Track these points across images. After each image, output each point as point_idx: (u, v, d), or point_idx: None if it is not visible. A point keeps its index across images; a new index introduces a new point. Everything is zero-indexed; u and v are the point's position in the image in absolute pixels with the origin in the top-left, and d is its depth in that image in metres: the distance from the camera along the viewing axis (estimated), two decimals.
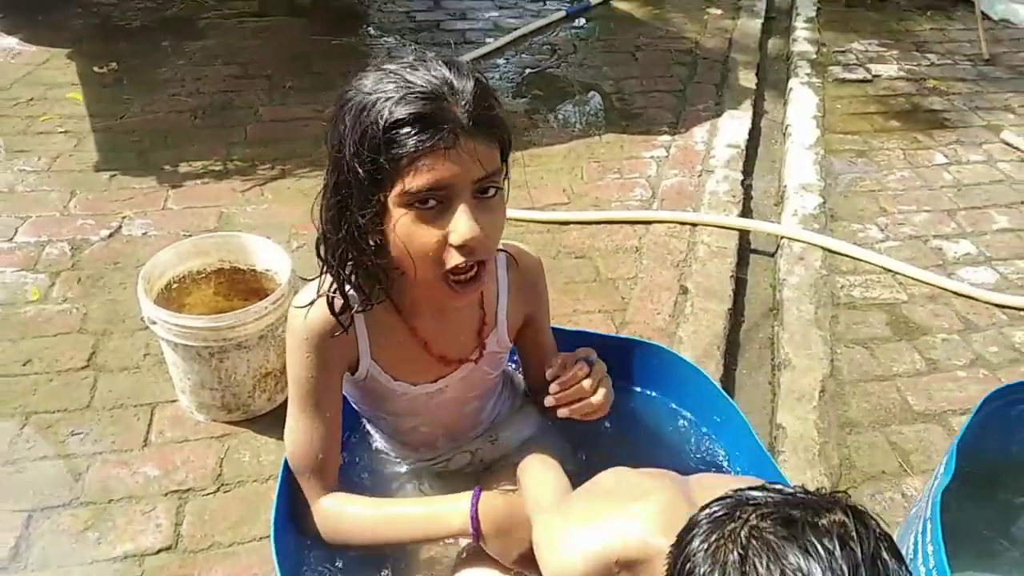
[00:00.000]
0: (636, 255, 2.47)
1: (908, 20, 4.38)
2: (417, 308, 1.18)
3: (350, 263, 1.07)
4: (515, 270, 1.26)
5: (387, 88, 0.95)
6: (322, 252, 1.09)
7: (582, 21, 4.27)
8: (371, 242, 1.03)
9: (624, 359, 1.49)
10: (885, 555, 0.68)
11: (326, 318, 1.12)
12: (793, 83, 3.60)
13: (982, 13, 4.26)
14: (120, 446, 1.82)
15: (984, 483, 1.35)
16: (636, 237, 2.55)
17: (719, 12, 4.41)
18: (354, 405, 1.33)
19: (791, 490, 0.76)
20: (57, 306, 2.20)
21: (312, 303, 1.12)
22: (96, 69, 3.47)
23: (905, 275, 2.43)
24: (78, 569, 1.57)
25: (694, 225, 2.58)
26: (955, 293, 2.38)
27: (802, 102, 3.43)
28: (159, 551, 1.61)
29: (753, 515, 0.71)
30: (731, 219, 2.61)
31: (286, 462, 1.22)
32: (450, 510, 1.14)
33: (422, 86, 0.95)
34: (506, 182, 1.06)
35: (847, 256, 2.51)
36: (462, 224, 0.97)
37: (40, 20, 3.87)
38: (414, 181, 0.95)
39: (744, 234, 2.66)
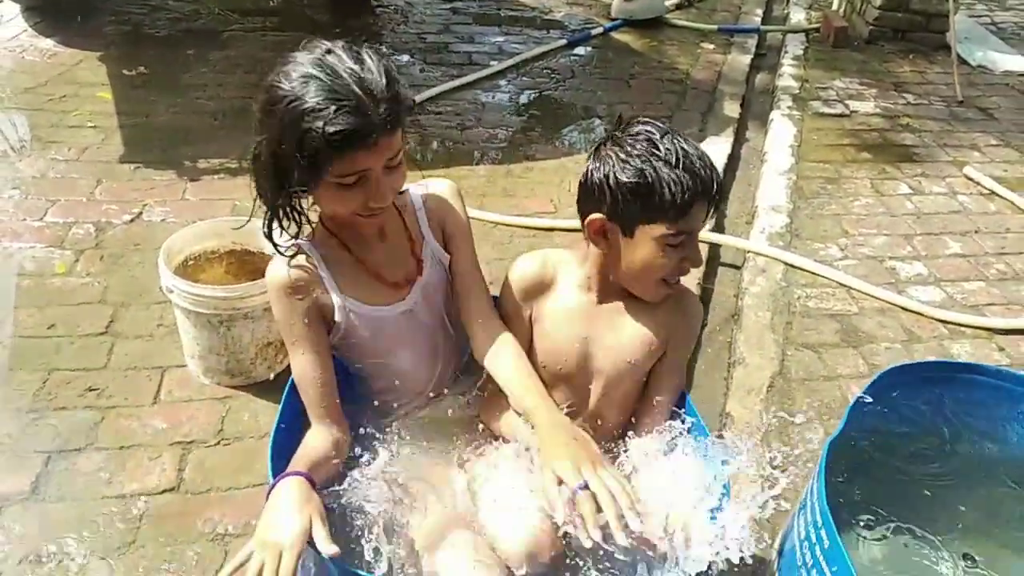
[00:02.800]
0: None
1: (890, 62, 4.63)
2: (357, 241, 1.42)
3: (285, 209, 1.34)
4: (427, 194, 1.52)
5: (316, 99, 1.18)
6: (264, 204, 1.35)
7: (582, 49, 4.52)
8: (302, 201, 1.34)
9: None
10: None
11: (282, 270, 1.38)
12: (774, 114, 3.84)
13: (960, 58, 4.51)
14: (132, 402, 2.03)
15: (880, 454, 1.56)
16: None
17: (712, 47, 4.67)
18: (355, 366, 1.52)
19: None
20: (80, 279, 2.42)
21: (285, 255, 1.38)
22: (125, 72, 3.73)
23: (858, 290, 2.64)
24: (90, 503, 1.77)
25: None
26: (903, 308, 2.58)
27: (781, 132, 3.66)
28: (163, 492, 1.81)
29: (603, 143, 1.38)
30: (702, 233, 2.82)
31: (292, 385, 1.45)
32: None
33: (347, 99, 1.18)
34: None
35: (806, 271, 2.72)
36: (378, 191, 1.27)
37: (76, 25, 4.15)
38: (342, 169, 1.23)
39: (715, 248, 2.87)
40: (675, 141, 1.29)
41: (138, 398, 2.05)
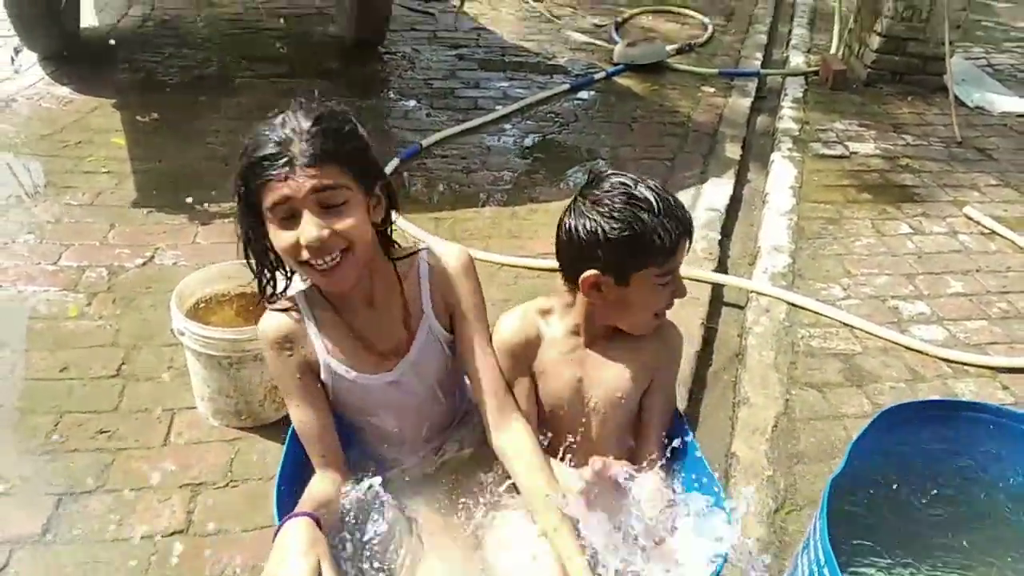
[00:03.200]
0: None
1: (889, 104, 4.70)
2: (343, 304, 1.44)
3: (261, 262, 1.39)
4: (435, 266, 1.48)
5: (258, 136, 1.29)
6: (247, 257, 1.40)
7: (585, 93, 4.61)
8: (266, 246, 1.36)
9: None
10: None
11: (273, 324, 1.42)
12: (775, 156, 3.90)
13: (958, 100, 4.58)
14: (143, 444, 2.05)
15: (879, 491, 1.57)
16: None
17: (712, 91, 4.75)
18: (344, 419, 1.53)
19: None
20: (93, 322, 2.46)
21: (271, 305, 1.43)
22: (139, 118, 3.82)
23: (861, 329, 2.66)
24: (100, 546, 1.78)
25: None
26: (906, 347, 2.60)
27: (782, 173, 3.72)
28: (172, 534, 1.82)
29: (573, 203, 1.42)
30: (705, 273, 2.86)
31: (293, 432, 1.47)
32: None
33: (277, 134, 1.27)
34: (365, 196, 1.33)
35: (809, 310, 2.74)
36: (305, 228, 1.27)
37: (91, 73, 4.26)
38: (269, 198, 1.27)
39: (718, 288, 2.90)
40: (648, 188, 1.36)
41: (148, 440, 2.07)
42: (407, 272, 1.47)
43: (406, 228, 2.94)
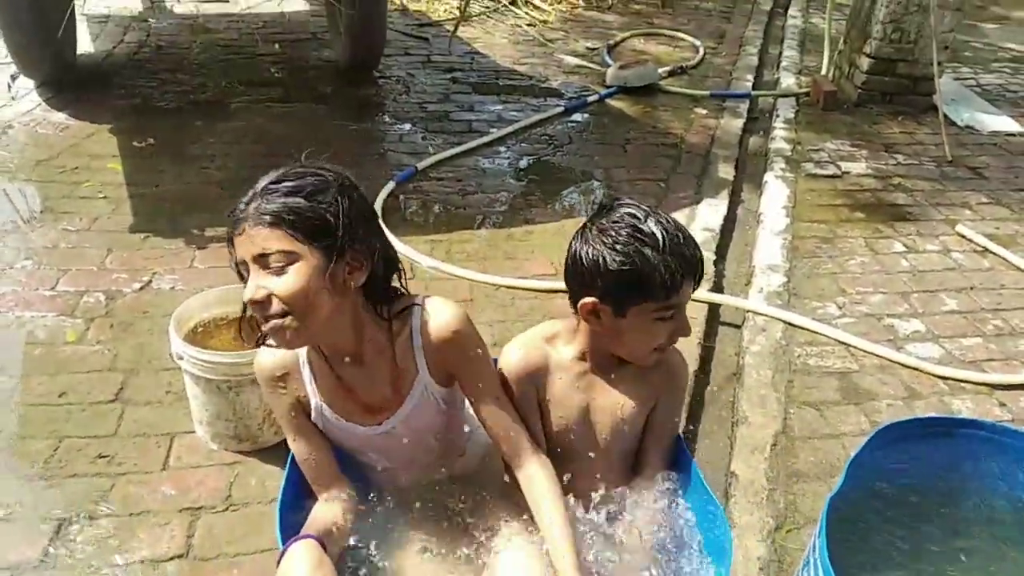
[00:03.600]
0: None
1: (880, 124, 4.75)
2: (334, 358, 1.44)
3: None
4: (426, 326, 1.42)
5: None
6: None
7: (579, 116, 4.65)
8: None
9: None
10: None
11: (268, 362, 1.45)
12: (768, 176, 3.94)
13: (948, 119, 4.64)
14: (142, 468, 2.05)
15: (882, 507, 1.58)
16: None
17: (704, 112, 4.80)
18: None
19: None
20: (91, 347, 2.46)
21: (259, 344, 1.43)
22: (135, 143, 3.83)
23: (857, 347, 2.68)
24: (101, 572, 1.77)
25: None
26: (902, 365, 2.61)
27: (775, 193, 3.75)
28: (172, 558, 1.82)
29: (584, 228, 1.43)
30: (701, 293, 2.88)
31: (293, 458, 1.48)
32: None
33: (253, 189, 1.32)
34: (324, 259, 1.30)
35: (805, 329, 2.76)
36: (248, 285, 1.30)
37: (87, 99, 4.28)
38: (234, 253, 1.33)
39: (715, 308, 2.92)
40: (658, 223, 1.35)
41: (147, 464, 2.06)
42: (400, 329, 1.44)
43: (405, 253, 2.95)
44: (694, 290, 1.42)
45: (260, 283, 1.28)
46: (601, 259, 1.36)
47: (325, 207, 1.31)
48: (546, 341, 1.55)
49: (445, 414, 1.52)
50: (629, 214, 1.37)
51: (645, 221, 1.35)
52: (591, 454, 1.54)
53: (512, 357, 1.52)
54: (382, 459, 1.53)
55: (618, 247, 1.34)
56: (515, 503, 1.51)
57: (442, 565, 1.46)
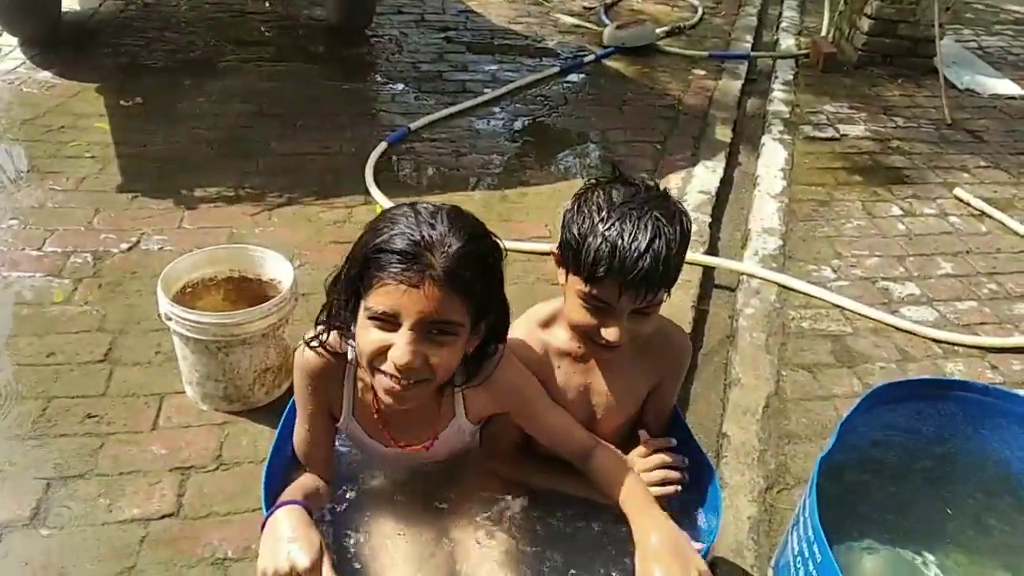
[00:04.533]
0: None
1: (879, 86, 4.70)
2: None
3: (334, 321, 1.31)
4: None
5: (396, 221, 1.18)
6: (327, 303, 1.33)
7: (575, 76, 4.58)
8: (346, 321, 1.28)
9: None
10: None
11: (315, 359, 1.36)
12: (766, 139, 3.89)
13: (948, 82, 4.59)
14: (131, 428, 2.04)
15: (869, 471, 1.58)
16: None
17: (703, 73, 4.74)
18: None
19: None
20: (79, 308, 2.43)
21: (310, 342, 1.36)
22: (122, 102, 3.77)
23: (851, 310, 2.67)
24: (91, 530, 1.77)
25: None
26: (896, 328, 2.61)
27: (772, 156, 3.71)
28: (163, 517, 1.81)
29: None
30: (696, 256, 2.85)
31: (284, 418, 1.46)
32: None
33: (420, 233, 1.15)
34: (471, 329, 1.23)
35: (800, 292, 2.75)
36: (400, 347, 1.16)
37: (73, 57, 4.19)
38: (376, 300, 1.16)
39: (709, 271, 2.90)
40: (630, 223, 1.26)
41: (137, 424, 2.05)
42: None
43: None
44: (636, 300, 1.30)
45: (420, 350, 1.16)
46: (572, 212, 1.34)
47: (498, 276, 1.24)
48: (541, 327, 1.50)
49: (470, 443, 1.51)
50: (614, 193, 1.32)
51: (615, 206, 1.29)
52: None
53: (512, 344, 1.45)
54: (392, 467, 1.54)
55: (582, 216, 1.31)
56: (490, 487, 1.53)
57: (414, 547, 1.45)
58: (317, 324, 1.34)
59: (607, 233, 1.27)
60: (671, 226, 1.28)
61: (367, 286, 1.18)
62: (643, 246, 1.25)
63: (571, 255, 1.32)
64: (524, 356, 1.45)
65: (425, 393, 1.26)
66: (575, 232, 1.31)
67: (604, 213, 1.29)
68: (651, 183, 1.36)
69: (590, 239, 1.28)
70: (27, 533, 1.74)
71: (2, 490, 1.84)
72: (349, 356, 1.38)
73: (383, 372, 1.20)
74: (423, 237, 1.14)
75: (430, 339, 1.17)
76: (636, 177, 1.37)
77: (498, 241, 1.24)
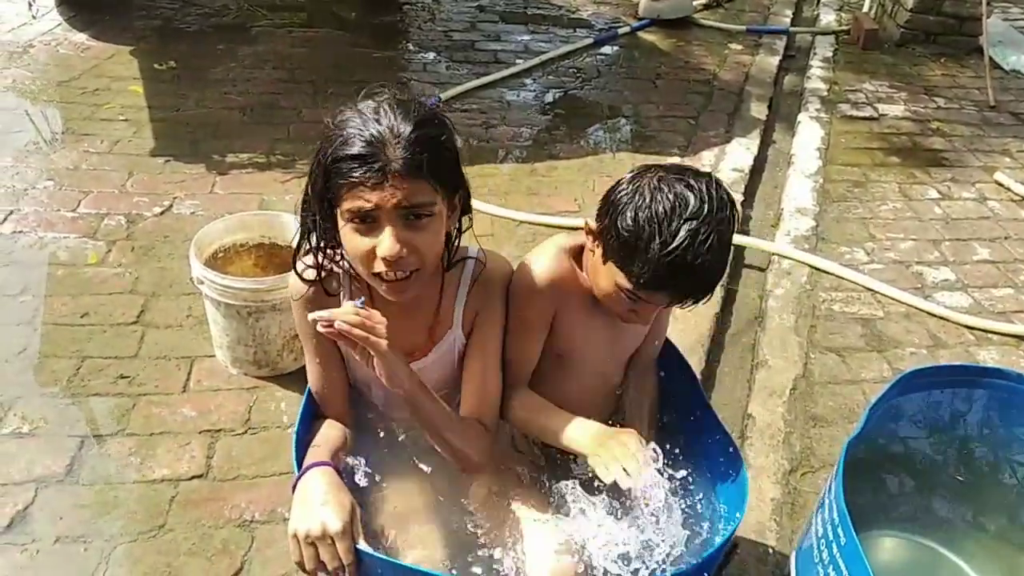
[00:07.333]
0: None
1: (921, 65, 4.58)
2: (380, 301, 1.35)
3: (317, 239, 1.32)
4: (479, 278, 1.40)
5: (347, 125, 1.20)
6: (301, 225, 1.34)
7: (608, 48, 4.52)
8: (329, 235, 1.30)
9: None
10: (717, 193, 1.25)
11: (301, 285, 1.37)
12: (802, 117, 3.82)
13: (993, 62, 4.46)
14: (162, 390, 2.07)
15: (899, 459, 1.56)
16: None
17: (740, 48, 4.65)
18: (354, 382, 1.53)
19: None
20: (112, 269, 2.47)
21: (303, 271, 1.37)
22: (156, 66, 3.78)
23: (884, 294, 2.63)
24: (121, 487, 1.81)
25: None
26: (929, 313, 2.56)
27: (808, 134, 3.65)
28: (192, 478, 1.85)
29: (657, 171, 1.28)
30: None
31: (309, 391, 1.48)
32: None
33: (370, 132, 1.18)
34: (447, 208, 1.26)
35: (831, 274, 2.71)
36: (384, 241, 1.19)
37: (107, 20, 4.21)
38: (352, 203, 1.19)
39: (739, 250, 2.87)
40: (692, 231, 1.20)
41: (168, 386, 2.08)
42: (450, 279, 1.41)
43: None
44: (681, 305, 1.31)
45: (404, 237, 1.19)
46: (624, 205, 1.26)
47: (455, 152, 1.25)
48: (569, 256, 1.45)
49: (456, 373, 1.49)
50: (682, 198, 1.22)
51: (683, 218, 1.21)
52: (595, 382, 1.54)
53: (538, 266, 1.41)
54: (383, 393, 1.51)
55: (641, 211, 1.23)
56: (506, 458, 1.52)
57: (432, 503, 1.45)
58: (298, 250, 1.36)
59: (674, 249, 1.20)
60: (729, 245, 1.26)
61: (337, 195, 1.21)
62: (704, 273, 1.24)
63: (621, 250, 1.27)
64: (551, 270, 1.40)
65: (425, 280, 1.29)
66: (631, 226, 1.24)
67: (672, 224, 1.21)
68: (714, 185, 1.26)
69: (654, 247, 1.21)
70: (61, 488, 1.78)
71: (38, 445, 1.88)
72: (343, 280, 1.39)
73: (378, 275, 1.24)
74: (373, 135, 1.18)
75: (409, 226, 1.21)
76: (700, 176, 1.28)
77: (444, 118, 1.27)
